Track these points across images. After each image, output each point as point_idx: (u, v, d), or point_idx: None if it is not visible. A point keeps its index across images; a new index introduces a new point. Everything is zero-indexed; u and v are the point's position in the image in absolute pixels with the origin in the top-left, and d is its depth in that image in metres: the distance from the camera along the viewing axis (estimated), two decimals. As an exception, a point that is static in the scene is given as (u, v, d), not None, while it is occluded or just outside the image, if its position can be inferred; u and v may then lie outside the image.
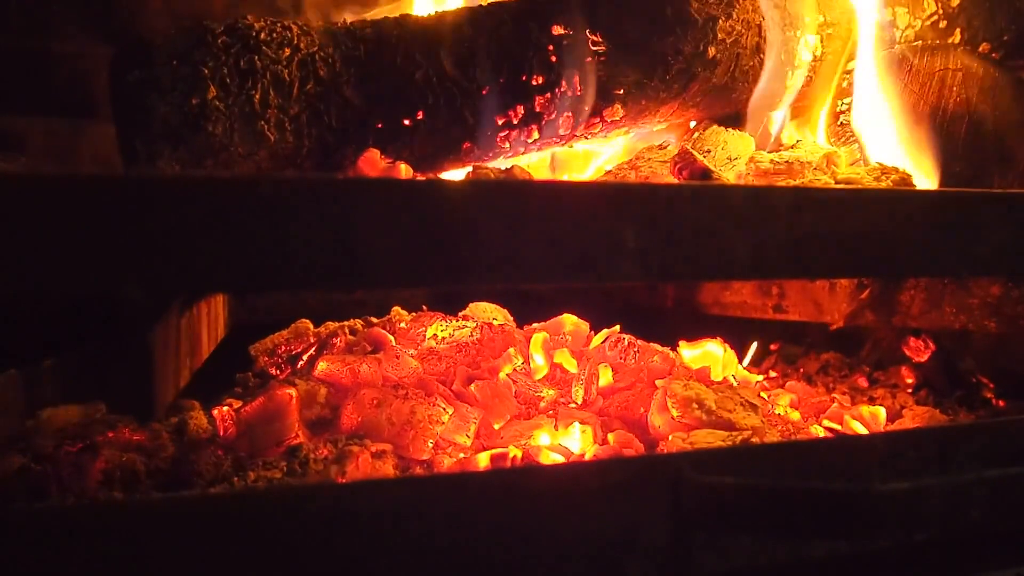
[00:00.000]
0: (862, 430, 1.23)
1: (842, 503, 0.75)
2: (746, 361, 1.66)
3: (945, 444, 0.90)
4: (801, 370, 1.67)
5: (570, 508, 0.75)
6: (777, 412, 1.22)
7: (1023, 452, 0.90)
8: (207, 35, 1.10)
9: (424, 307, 1.39)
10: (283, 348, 1.29)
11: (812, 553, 0.83)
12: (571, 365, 1.25)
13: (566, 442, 1.07)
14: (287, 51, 1.13)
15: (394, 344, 1.24)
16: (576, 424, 1.08)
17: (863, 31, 1.43)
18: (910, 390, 1.49)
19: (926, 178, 1.27)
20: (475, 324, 1.27)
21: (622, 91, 1.29)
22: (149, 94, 1.09)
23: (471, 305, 1.42)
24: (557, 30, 1.24)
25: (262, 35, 1.12)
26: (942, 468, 0.88)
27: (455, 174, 1.29)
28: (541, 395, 1.18)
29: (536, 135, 1.27)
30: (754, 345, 1.71)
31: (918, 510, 0.77)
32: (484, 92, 1.22)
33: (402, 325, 1.32)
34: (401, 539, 0.71)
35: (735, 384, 1.27)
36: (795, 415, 1.26)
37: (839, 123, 1.43)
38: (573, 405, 1.17)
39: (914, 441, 0.89)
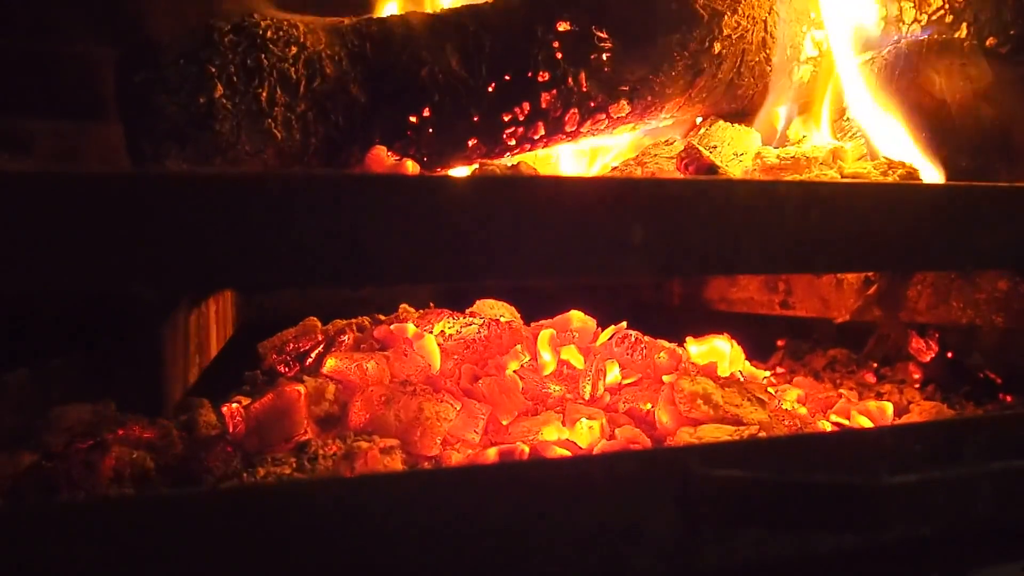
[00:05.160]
0: (869, 425, 1.23)
1: (849, 497, 0.75)
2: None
3: (952, 438, 0.90)
4: (808, 366, 1.67)
5: (578, 501, 0.75)
6: (784, 407, 1.22)
7: (1030, 446, 0.90)
8: (213, 34, 1.10)
9: (431, 304, 1.39)
10: (291, 346, 1.29)
11: (819, 547, 0.83)
12: (578, 361, 1.25)
13: (573, 438, 1.08)
14: (293, 49, 1.13)
15: (402, 341, 1.25)
16: (583, 420, 1.08)
17: (869, 26, 1.42)
18: (917, 385, 1.49)
19: (933, 173, 1.27)
20: (482, 321, 1.28)
21: (628, 87, 1.29)
22: (156, 94, 1.09)
23: (478, 302, 1.43)
24: (562, 27, 1.24)
25: (268, 33, 1.12)
26: (949, 462, 0.88)
27: (461, 171, 1.29)
28: (548, 391, 1.18)
29: (542, 132, 1.27)
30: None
31: (925, 504, 0.77)
32: (490, 89, 1.22)
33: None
34: (410, 532, 0.71)
35: (742, 379, 1.27)
36: (802, 410, 1.26)
37: (845, 118, 1.43)
38: (580, 401, 1.18)
39: (921, 435, 0.89)
